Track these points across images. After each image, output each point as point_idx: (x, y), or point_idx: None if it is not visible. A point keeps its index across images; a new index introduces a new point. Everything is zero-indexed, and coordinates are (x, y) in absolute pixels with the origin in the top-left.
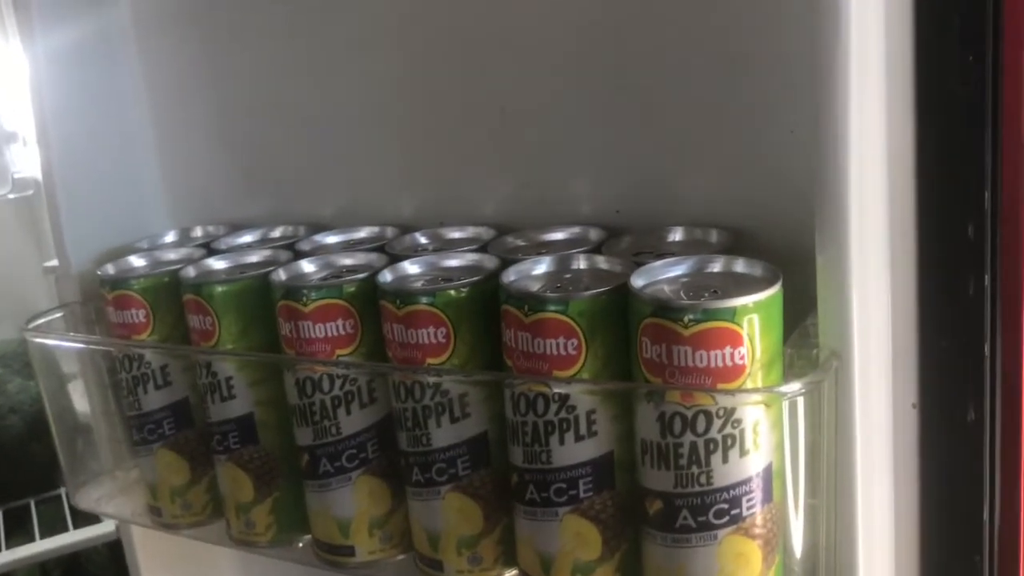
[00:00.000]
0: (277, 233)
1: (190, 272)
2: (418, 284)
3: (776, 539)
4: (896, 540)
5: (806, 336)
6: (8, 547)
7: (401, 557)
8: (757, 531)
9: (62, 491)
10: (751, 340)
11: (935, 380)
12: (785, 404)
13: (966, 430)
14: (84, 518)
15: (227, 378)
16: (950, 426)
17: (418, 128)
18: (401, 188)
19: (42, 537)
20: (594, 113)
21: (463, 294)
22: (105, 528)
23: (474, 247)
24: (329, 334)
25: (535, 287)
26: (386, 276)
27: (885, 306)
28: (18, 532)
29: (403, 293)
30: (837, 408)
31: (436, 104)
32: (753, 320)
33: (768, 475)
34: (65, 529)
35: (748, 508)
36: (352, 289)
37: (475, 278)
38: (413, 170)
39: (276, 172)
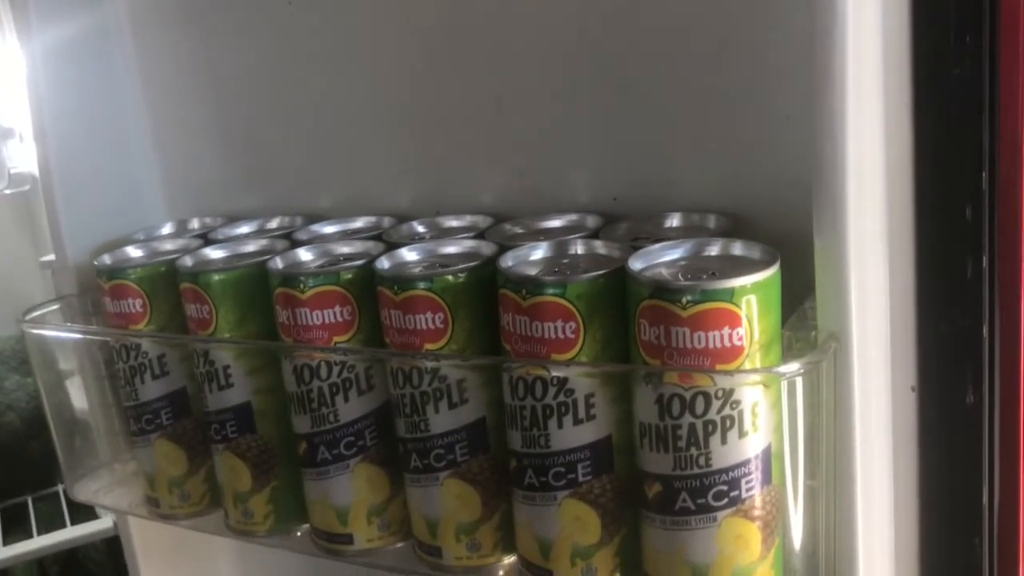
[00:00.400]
0: (274, 224)
1: (187, 261)
2: (416, 270)
3: (775, 521)
4: (896, 523)
5: (804, 319)
6: (6, 544)
7: (400, 545)
8: (756, 513)
9: (60, 488)
10: (749, 321)
11: (934, 363)
12: (784, 385)
13: (965, 413)
14: (82, 515)
15: (224, 367)
16: (949, 409)
17: (415, 119)
18: (398, 179)
19: (40, 534)
20: (590, 101)
21: (461, 279)
22: (103, 524)
23: (471, 235)
24: (326, 321)
25: (533, 271)
26: (383, 262)
27: (883, 289)
28: (16, 530)
29: (400, 279)
30: (836, 390)
31: (433, 95)
32: (751, 301)
33: (767, 457)
34: (63, 526)
35: (747, 490)
36: (349, 276)
37: (472, 263)
38: (410, 161)
39: (273, 164)
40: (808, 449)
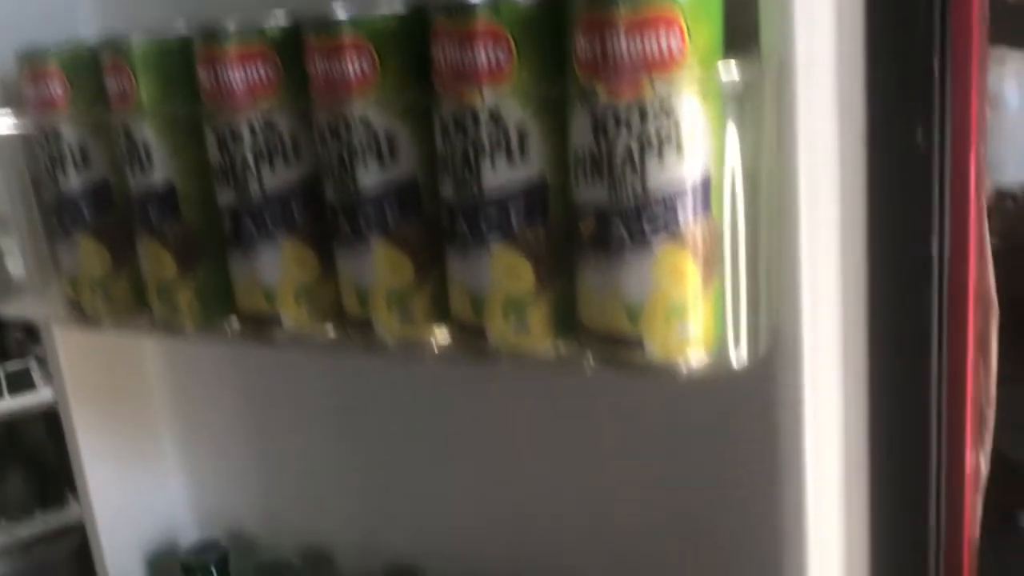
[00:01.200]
0: None
1: (111, 37)
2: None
3: (714, 258)
4: (843, 266)
5: (748, 52)
6: None
7: (330, 330)
8: (693, 245)
9: None
10: (686, 27)
11: (886, 102)
12: (725, 101)
13: (917, 153)
14: (18, 386)
15: (145, 144)
16: (900, 151)
17: None
18: None
19: None
20: None
21: (391, 22)
22: (41, 397)
23: None
24: (250, 80)
25: None
26: (311, 17)
27: (829, 8)
28: None
29: (326, 25)
30: (780, 117)
31: None
32: (689, 6)
33: (706, 185)
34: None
35: (684, 218)
36: (275, 34)
37: (402, 10)
38: None
39: None
40: (749, 181)
